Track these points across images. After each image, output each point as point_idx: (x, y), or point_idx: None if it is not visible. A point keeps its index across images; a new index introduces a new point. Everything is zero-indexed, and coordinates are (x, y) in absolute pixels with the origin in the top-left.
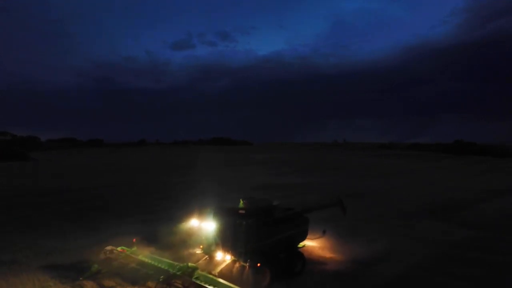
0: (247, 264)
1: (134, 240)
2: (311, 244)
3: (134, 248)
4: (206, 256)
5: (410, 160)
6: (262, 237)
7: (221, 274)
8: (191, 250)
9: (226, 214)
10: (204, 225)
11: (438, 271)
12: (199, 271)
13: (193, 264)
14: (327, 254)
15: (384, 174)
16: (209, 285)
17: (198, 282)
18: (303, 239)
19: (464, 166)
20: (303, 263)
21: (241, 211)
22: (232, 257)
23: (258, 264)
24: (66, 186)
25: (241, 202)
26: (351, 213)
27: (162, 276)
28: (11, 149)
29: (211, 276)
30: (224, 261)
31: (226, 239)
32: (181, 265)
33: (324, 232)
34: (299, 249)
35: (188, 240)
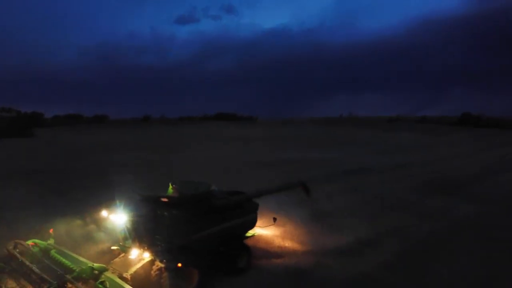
0: (163, 264)
1: (51, 230)
2: (265, 233)
3: (50, 241)
4: (123, 254)
5: (417, 134)
6: (191, 231)
7: (138, 276)
8: (107, 246)
9: (143, 203)
10: (113, 217)
11: (441, 248)
12: (107, 274)
13: (101, 265)
14: (287, 244)
15: (388, 149)
16: None
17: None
18: (250, 228)
19: (472, 140)
20: (248, 257)
21: (163, 199)
22: (150, 255)
23: (179, 264)
24: (34, 167)
25: (170, 187)
26: (343, 195)
27: (55, 282)
28: (12, 126)
29: (119, 281)
30: (141, 260)
31: (142, 234)
32: (85, 265)
33: (274, 220)
34: (245, 240)
35: (101, 233)
